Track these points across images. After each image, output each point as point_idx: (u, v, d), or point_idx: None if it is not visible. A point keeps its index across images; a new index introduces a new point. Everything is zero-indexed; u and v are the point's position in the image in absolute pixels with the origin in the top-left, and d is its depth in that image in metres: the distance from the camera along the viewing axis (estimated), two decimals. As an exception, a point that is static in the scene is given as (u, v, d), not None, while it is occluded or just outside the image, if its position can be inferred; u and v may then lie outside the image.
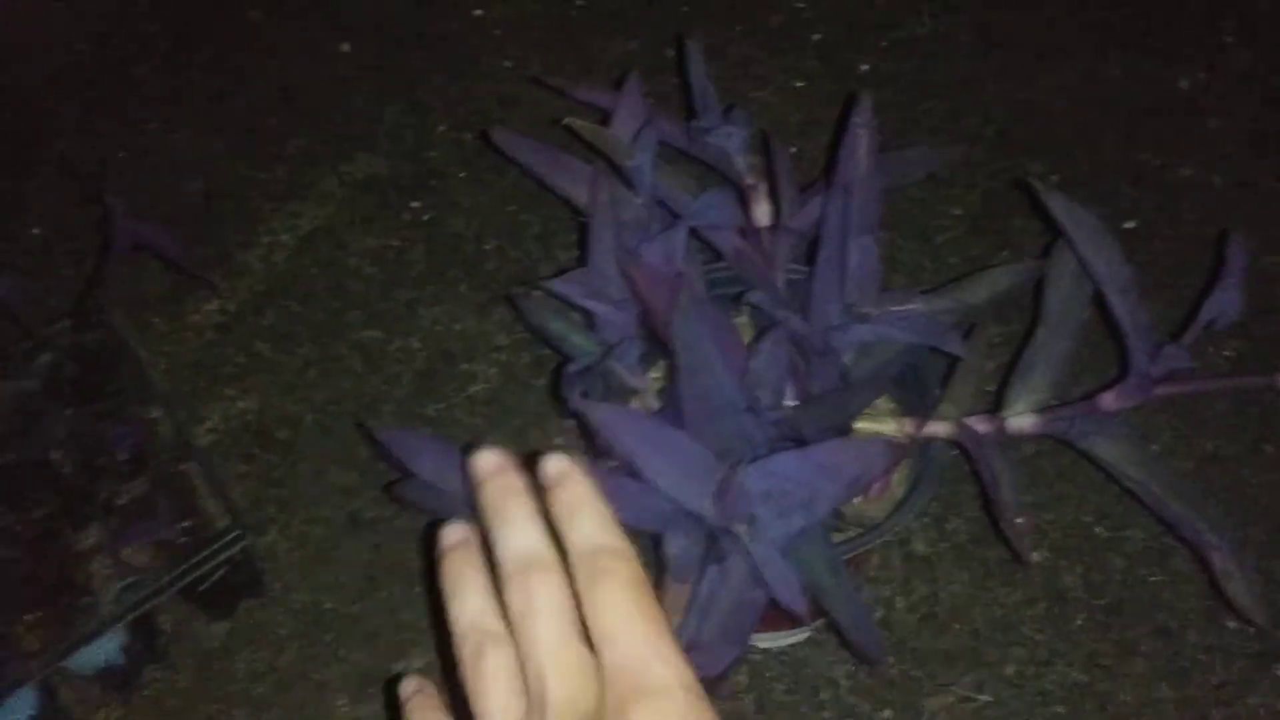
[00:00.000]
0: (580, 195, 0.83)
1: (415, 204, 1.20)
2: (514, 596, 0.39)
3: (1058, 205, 0.67)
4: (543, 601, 0.39)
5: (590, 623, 0.38)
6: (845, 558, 0.75)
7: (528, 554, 0.40)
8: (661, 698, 0.37)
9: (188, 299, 1.15)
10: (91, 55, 1.31)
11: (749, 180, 0.84)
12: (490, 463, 0.43)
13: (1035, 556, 1.00)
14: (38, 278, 1.15)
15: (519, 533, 0.41)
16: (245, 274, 1.16)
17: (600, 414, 0.65)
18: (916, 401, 0.84)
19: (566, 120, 0.78)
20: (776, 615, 0.74)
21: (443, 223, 1.18)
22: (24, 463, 0.91)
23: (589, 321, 0.82)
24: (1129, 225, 1.16)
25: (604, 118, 0.86)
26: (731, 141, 0.80)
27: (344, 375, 1.11)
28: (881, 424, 0.81)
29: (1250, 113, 1.24)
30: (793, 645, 0.96)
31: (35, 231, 1.20)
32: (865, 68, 1.27)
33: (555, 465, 0.42)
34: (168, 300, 1.15)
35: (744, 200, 0.85)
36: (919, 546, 1.01)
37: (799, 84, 1.27)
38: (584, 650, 0.38)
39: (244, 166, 1.22)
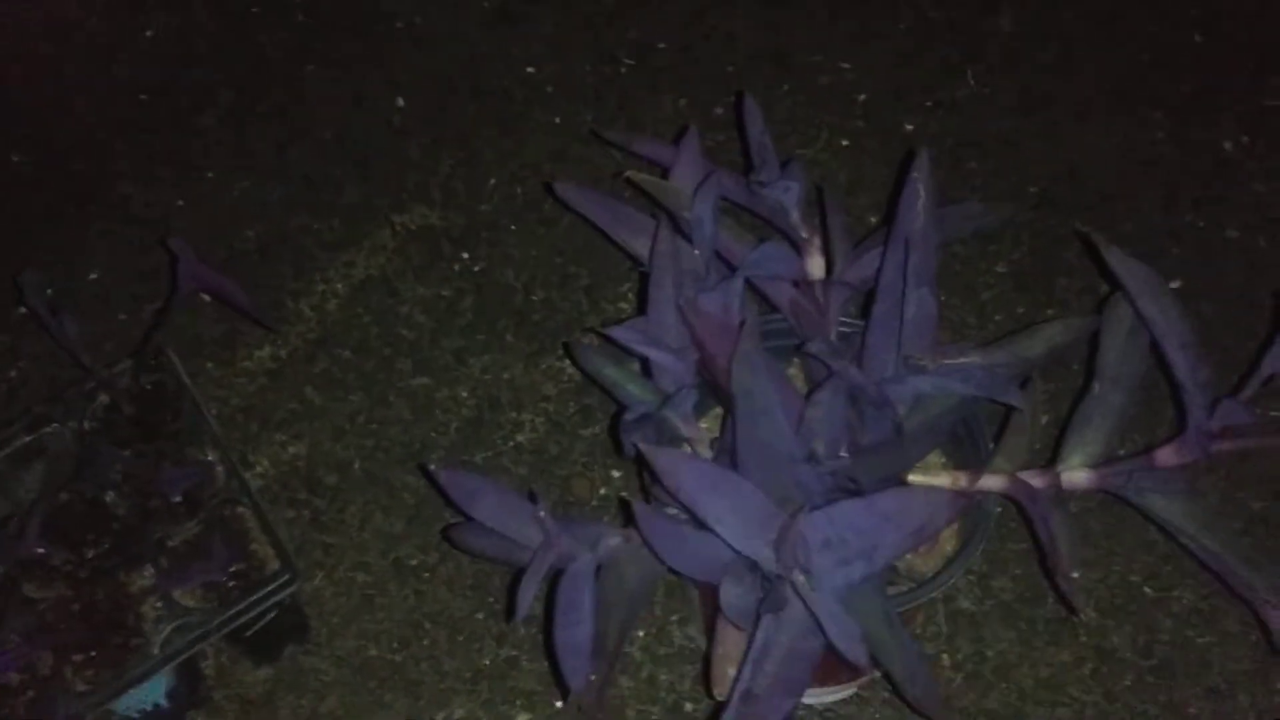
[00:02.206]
0: (638, 246, 0.84)
1: (466, 255, 1.21)
2: None
3: (1116, 259, 0.68)
4: None
5: None
6: (899, 611, 0.75)
7: None
8: None
9: (241, 345, 1.16)
10: (154, 104, 1.35)
11: (804, 233, 0.85)
12: None
13: (1083, 616, 0.99)
14: (97, 320, 1.17)
15: None
16: (298, 321, 1.18)
17: (664, 460, 0.65)
18: (968, 455, 0.84)
19: (629, 173, 0.79)
20: (826, 669, 0.74)
21: (493, 273, 1.20)
22: (79, 502, 0.92)
23: (645, 369, 0.83)
24: (1174, 285, 1.16)
25: (660, 171, 0.88)
26: (788, 195, 0.81)
27: (393, 423, 1.12)
28: (934, 477, 0.82)
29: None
30: (838, 702, 0.96)
31: (94, 276, 1.22)
32: (910, 127, 1.29)
33: None
34: (221, 345, 1.17)
35: (799, 253, 0.86)
36: (965, 603, 1.01)
37: (845, 142, 1.28)
38: None
39: (300, 216, 1.25)
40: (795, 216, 0.84)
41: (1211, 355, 1.07)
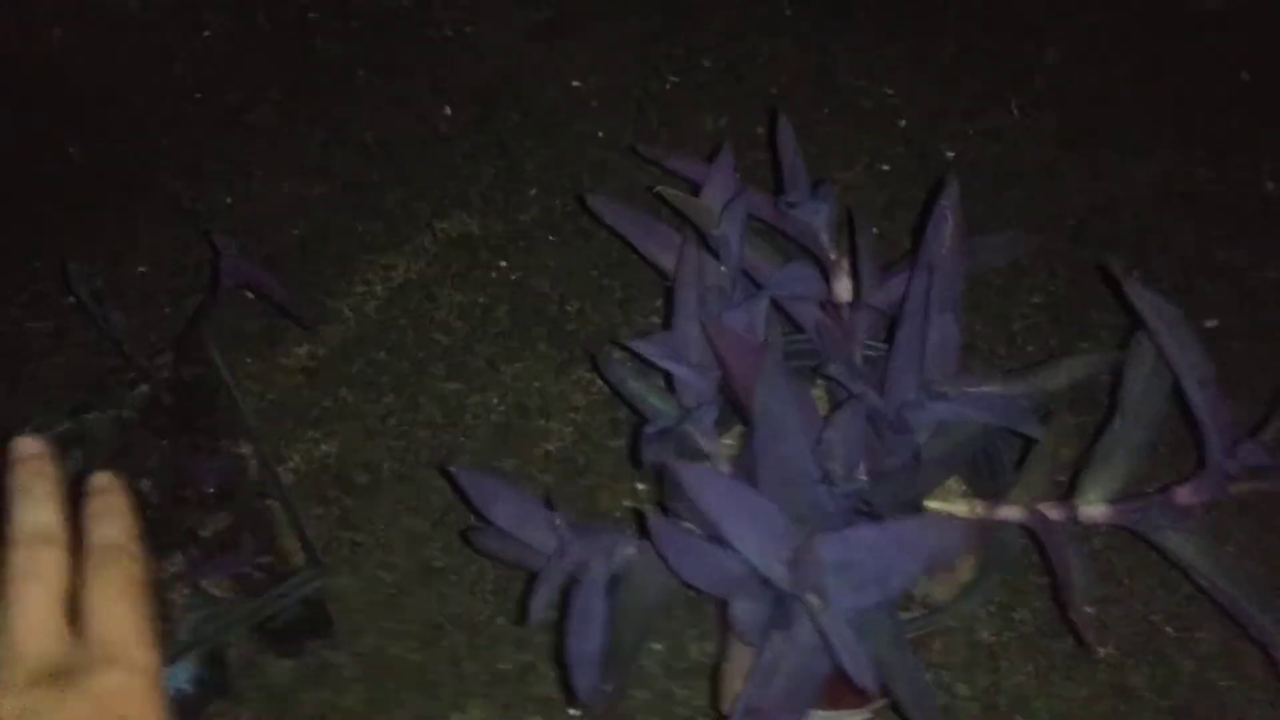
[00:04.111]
0: (667, 261, 0.86)
1: (504, 263, 1.23)
2: (18, 559, 0.45)
3: (1139, 296, 0.68)
4: (41, 568, 0.45)
5: (85, 600, 0.45)
6: (910, 637, 0.75)
7: (43, 528, 0.47)
8: (127, 671, 0.44)
9: (279, 341, 1.19)
10: (206, 103, 1.38)
11: (832, 256, 0.86)
12: (30, 447, 0.50)
13: (1102, 652, 0.99)
14: (140, 312, 1.20)
15: (39, 509, 0.47)
16: (336, 320, 1.20)
17: (685, 474, 0.66)
18: (988, 484, 0.84)
19: (658, 188, 0.81)
20: (834, 692, 0.75)
21: (529, 283, 1.22)
22: (116, 489, 0.95)
23: (668, 384, 0.85)
24: (1209, 324, 1.15)
25: (695, 188, 0.89)
26: (818, 217, 0.82)
27: (423, 426, 1.14)
28: (952, 505, 0.82)
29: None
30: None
31: (141, 269, 1.25)
32: (950, 154, 1.29)
33: (102, 479, 0.51)
34: (260, 341, 1.19)
35: (826, 275, 0.87)
36: (984, 634, 1.01)
37: (884, 167, 1.29)
38: (60, 618, 0.44)
39: (343, 217, 1.27)
40: (824, 238, 0.85)
41: (1240, 395, 1.07)
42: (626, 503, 1.09)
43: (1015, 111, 1.32)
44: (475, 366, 1.17)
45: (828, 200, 0.83)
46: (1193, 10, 1.42)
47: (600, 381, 1.15)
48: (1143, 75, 1.35)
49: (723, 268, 0.82)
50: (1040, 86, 1.34)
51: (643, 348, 0.77)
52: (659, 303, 1.20)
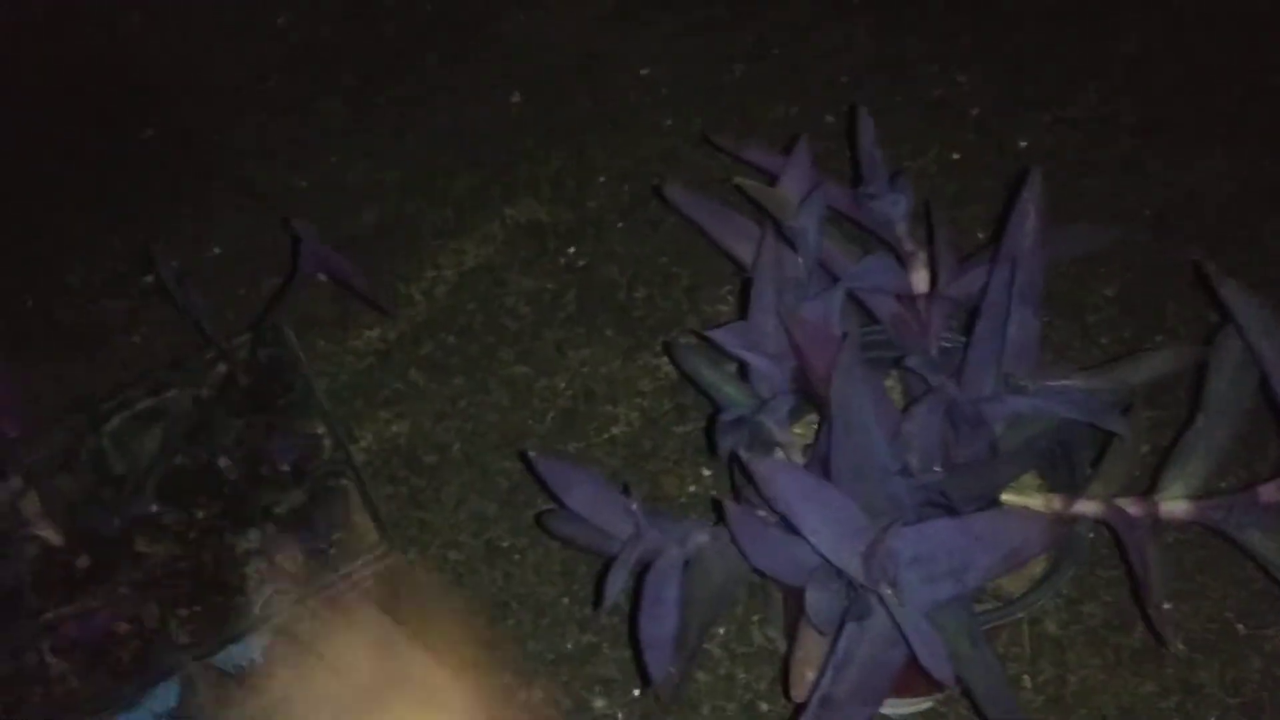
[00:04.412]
0: (742, 251, 0.85)
1: (572, 249, 1.24)
2: None
3: (1230, 292, 0.67)
4: None
5: None
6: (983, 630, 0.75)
7: None
8: None
9: (353, 324, 1.20)
10: (280, 88, 1.40)
11: (909, 247, 0.85)
12: None
13: (1173, 648, 0.97)
14: (217, 294, 1.23)
15: None
16: (408, 305, 1.21)
17: (762, 467, 0.66)
18: (1064, 479, 0.83)
19: (738, 180, 0.80)
20: (904, 680, 0.75)
21: (596, 269, 1.22)
22: (194, 466, 0.97)
23: (742, 373, 0.84)
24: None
25: (769, 179, 0.89)
26: (896, 209, 0.82)
27: (491, 409, 1.15)
28: (1028, 498, 0.81)
29: None
30: (914, 714, 0.96)
31: (217, 251, 1.28)
32: (1024, 143, 1.28)
33: None
34: (334, 324, 1.21)
35: (903, 266, 0.86)
36: (1051, 627, 1.00)
37: (955, 156, 1.28)
38: None
39: (415, 202, 1.29)
40: (902, 229, 0.84)
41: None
42: (692, 488, 1.09)
43: (1094, 98, 1.30)
44: (543, 351, 1.18)
45: (906, 192, 0.82)
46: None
47: (667, 368, 1.15)
48: (1227, 66, 1.32)
49: (800, 259, 0.82)
50: (1118, 76, 1.32)
51: (720, 336, 0.77)
52: (726, 290, 1.19)
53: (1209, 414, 0.74)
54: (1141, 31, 1.35)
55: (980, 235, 1.21)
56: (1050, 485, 0.85)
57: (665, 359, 1.15)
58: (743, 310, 0.82)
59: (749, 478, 0.70)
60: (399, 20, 1.43)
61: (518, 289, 1.22)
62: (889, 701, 0.93)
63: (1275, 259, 1.17)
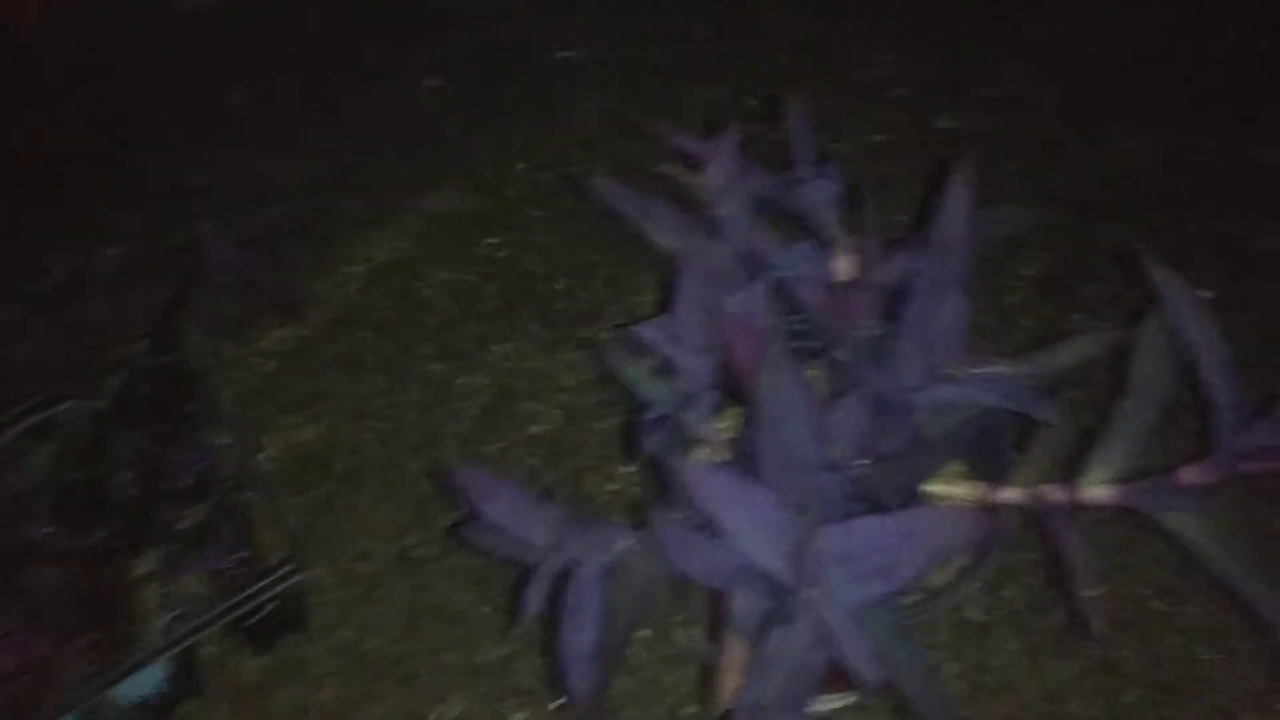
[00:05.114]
0: (667, 242, 0.83)
1: (491, 240, 1.20)
2: None
3: (1159, 275, 0.66)
4: None
5: None
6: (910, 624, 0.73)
7: None
8: None
9: (260, 324, 1.16)
10: (181, 77, 1.34)
11: (836, 234, 0.83)
12: None
13: (1094, 629, 0.97)
14: (116, 298, 1.17)
15: None
16: (320, 302, 1.17)
17: (686, 469, 0.64)
18: (988, 466, 0.82)
19: (663, 168, 0.78)
20: (830, 677, 0.73)
21: (517, 260, 1.19)
22: (88, 483, 0.92)
23: (666, 367, 0.82)
24: (1207, 295, 1.13)
25: (693, 164, 0.86)
26: (823, 195, 0.80)
27: (409, 407, 1.11)
28: (953, 486, 0.80)
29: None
30: (841, 709, 0.94)
31: (112, 252, 1.22)
32: (945, 124, 1.27)
33: None
34: (241, 325, 1.16)
35: (830, 253, 0.84)
36: (973, 612, 0.99)
37: (878, 138, 1.26)
38: None
39: (325, 195, 1.24)
40: (829, 216, 0.82)
41: (1241, 369, 1.05)
42: (615, 485, 1.06)
43: (1014, 82, 1.29)
44: (463, 347, 1.14)
45: (833, 178, 0.80)
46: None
47: (588, 361, 1.12)
48: (1151, 45, 1.32)
49: (725, 247, 0.79)
50: (1042, 56, 1.31)
51: (644, 332, 0.74)
52: (647, 279, 1.17)
53: (1134, 398, 0.73)
54: (1062, 13, 1.34)
55: (903, 217, 1.19)
56: (975, 473, 0.84)
57: (588, 352, 1.13)
58: (666, 301, 0.80)
59: (672, 480, 0.67)
60: (307, 5, 1.38)
61: (435, 282, 1.18)
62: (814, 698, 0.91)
63: (1198, 239, 1.18)
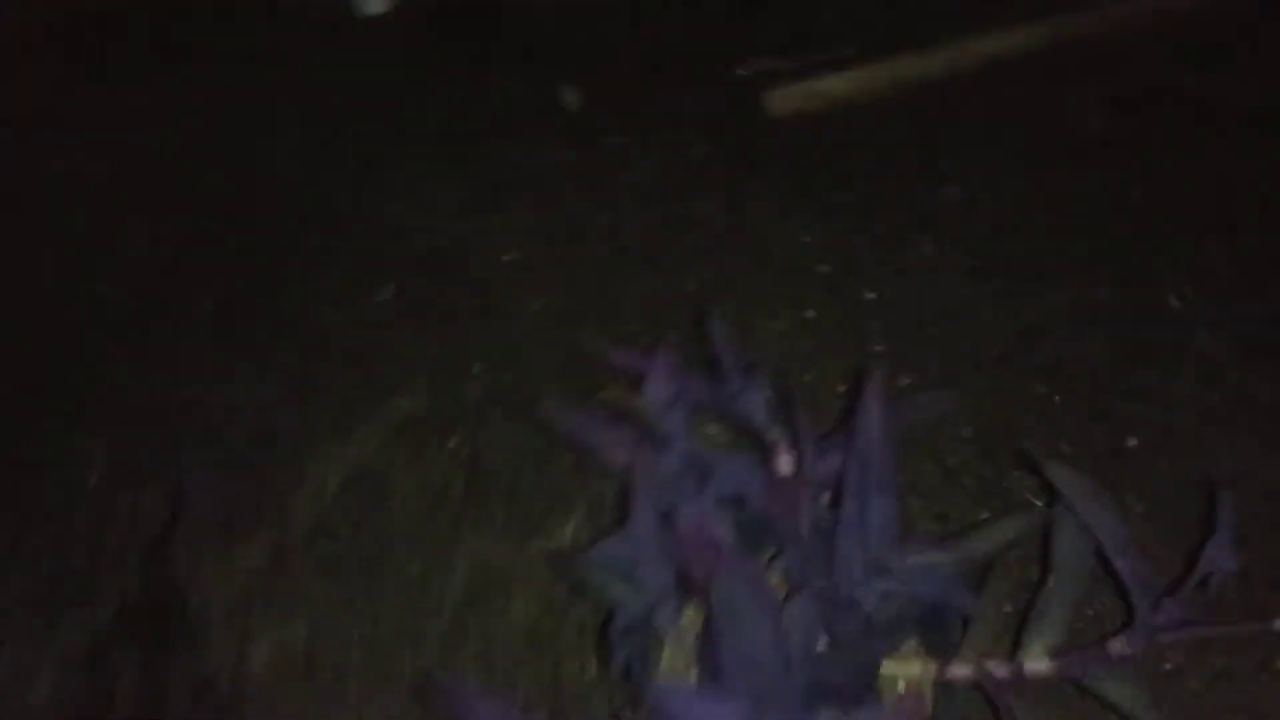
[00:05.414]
0: (616, 459, 0.90)
1: (453, 442, 1.27)
2: None
3: (1057, 475, 0.74)
4: None
5: None
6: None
7: None
8: None
9: (241, 535, 1.20)
10: (142, 302, 1.41)
11: (771, 436, 0.91)
12: None
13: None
14: (96, 523, 1.21)
15: None
16: (293, 513, 1.22)
17: (655, 693, 0.69)
18: (939, 641, 0.88)
19: (602, 395, 0.85)
20: None
21: (479, 459, 1.25)
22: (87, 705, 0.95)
23: (628, 574, 0.88)
24: (1131, 443, 1.22)
25: (633, 380, 0.93)
26: (753, 404, 0.87)
27: (389, 607, 1.16)
28: (908, 665, 0.86)
29: (1239, 327, 1.31)
30: None
31: (95, 479, 1.27)
32: (871, 296, 1.36)
33: None
34: (222, 537, 1.20)
35: (769, 453, 0.91)
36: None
37: (809, 314, 1.35)
38: None
39: (290, 409, 1.30)
40: (762, 420, 0.90)
41: (1171, 513, 1.12)
42: (590, 675, 1.11)
43: (928, 249, 1.39)
44: (435, 544, 1.20)
45: (761, 386, 0.88)
46: (1077, 136, 1.52)
47: (559, 549, 1.18)
48: (1041, 203, 1.44)
49: (671, 456, 0.86)
50: (947, 222, 1.42)
51: (604, 553, 0.80)
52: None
53: (1058, 577, 0.80)
54: (961, 179, 1.46)
55: (841, 388, 1.27)
56: (927, 648, 0.90)
57: (556, 541, 1.18)
58: (623, 517, 0.86)
59: (641, 692, 0.73)
60: (259, 227, 1.46)
61: (403, 486, 1.24)
62: None
63: (1112, 387, 1.26)
